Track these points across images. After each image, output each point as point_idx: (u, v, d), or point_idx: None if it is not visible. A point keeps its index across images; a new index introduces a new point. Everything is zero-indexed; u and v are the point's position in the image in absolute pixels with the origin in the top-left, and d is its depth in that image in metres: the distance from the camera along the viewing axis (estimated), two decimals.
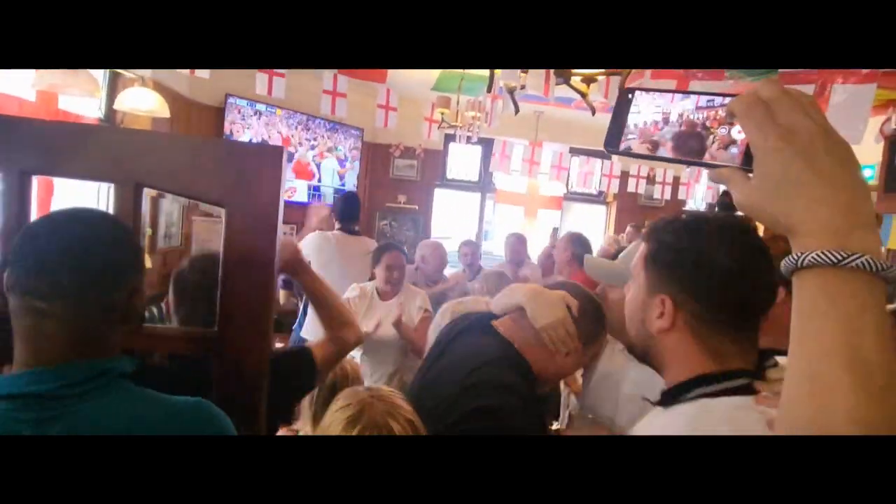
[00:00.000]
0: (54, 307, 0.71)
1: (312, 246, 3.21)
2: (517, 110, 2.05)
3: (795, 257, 0.43)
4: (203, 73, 3.43)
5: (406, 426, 0.94)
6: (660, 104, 0.54)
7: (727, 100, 0.50)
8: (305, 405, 1.65)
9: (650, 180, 6.05)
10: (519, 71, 1.65)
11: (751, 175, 0.47)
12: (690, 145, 0.52)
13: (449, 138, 6.14)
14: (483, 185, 6.83)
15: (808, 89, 1.29)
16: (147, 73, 3.68)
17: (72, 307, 0.72)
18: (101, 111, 3.56)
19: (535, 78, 1.74)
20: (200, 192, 0.93)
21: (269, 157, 0.94)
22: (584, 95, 1.77)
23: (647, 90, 0.56)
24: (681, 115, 0.53)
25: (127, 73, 3.57)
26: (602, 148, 0.57)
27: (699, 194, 6.40)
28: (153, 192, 3.04)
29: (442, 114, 4.71)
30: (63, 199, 2.54)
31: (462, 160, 6.78)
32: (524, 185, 6.72)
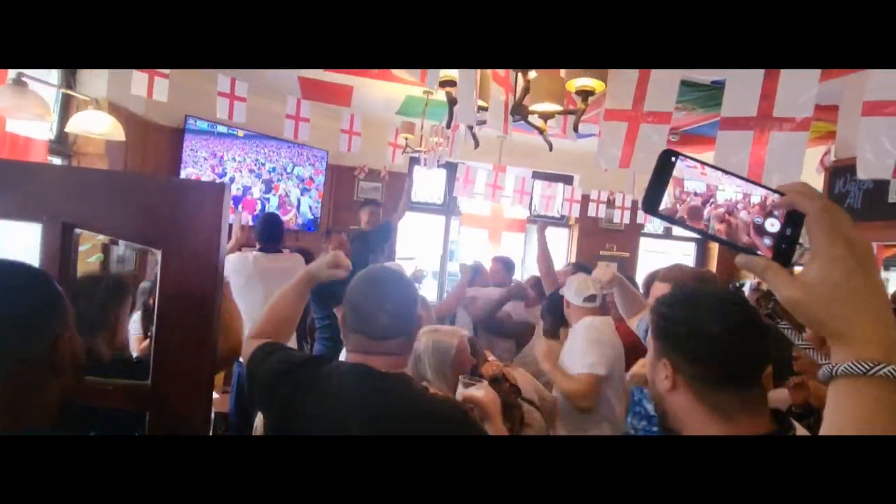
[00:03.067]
0: None
1: (233, 266, 3.13)
2: (477, 145, 2.08)
3: (864, 367, 0.46)
4: (161, 97, 3.36)
5: None
6: (700, 174, 0.55)
7: (771, 194, 0.52)
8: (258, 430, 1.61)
9: (610, 204, 6.19)
10: (475, 108, 1.67)
11: (795, 271, 0.50)
12: (725, 224, 0.53)
13: (413, 161, 6.16)
14: (448, 207, 6.86)
15: (748, 135, 1.36)
16: (101, 94, 3.58)
17: None
18: (52, 133, 3.44)
19: (493, 114, 1.76)
20: (134, 233, 0.90)
21: (209, 196, 0.91)
22: (541, 132, 1.80)
23: (688, 157, 0.56)
24: (734, 196, 0.54)
25: (80, 95, 3.47)
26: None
27: (656, 220, 6.57)
28: None
29: (406, 139, 4.73)
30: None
31: (427, 183, 6.80)
32: (487, 208, 6.79)
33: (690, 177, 0.55)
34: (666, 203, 0.55)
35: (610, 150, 1.60)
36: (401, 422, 1.03)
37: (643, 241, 7.30)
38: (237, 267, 3.15)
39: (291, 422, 1.07)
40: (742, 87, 1.39)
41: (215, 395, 3.24)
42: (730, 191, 0.54)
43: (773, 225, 0.52)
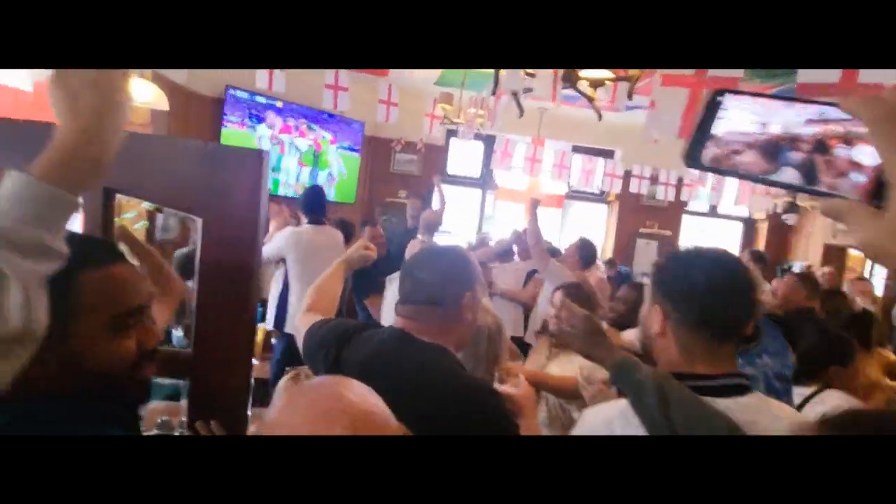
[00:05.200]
0: None
1: (289, 241, 3.25)
2: (522, 114, 1.99)
3: None
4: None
5: None
6: (756, 111, 0.44)
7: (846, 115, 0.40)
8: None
9: (654, 180, 5.99)
10: (523, 73, 1.58)
11: (881, 208, 0.38)
12: (797, 166, 0.41)
13: (450, 133, 6.07)
14: (484, 181, 6.77)
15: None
16: None
17: None
18: None
19: (541, 81, 1.67)
20: (174, 200, 0.88)
21: (250, 162, 0.88)
22: (590, 100, 1.71)
23: (740, 92, 0.45)
24: (786, 127, 0.42)
25: None
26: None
27: (703, 195, 6.33)
28: None
29: (444, 110, 4.64)
30: None
31: (463, 156, 6.72)
32: (525, 182, 6.67)
33: (743, 112, 0.44)
34: (714, 152, 0.45)
35: (666, 118, 1.49)
36: (421, 389, 1.02)
37: (686, 220, 7.06)
38: (292, 241, 3.24)
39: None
40: None
41: (255, 361, 3.31)
42: (801, 123, 0.42)
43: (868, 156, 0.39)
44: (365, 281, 3.45)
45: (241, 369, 0.98)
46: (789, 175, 0.42)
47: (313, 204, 3.42)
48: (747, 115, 0.44)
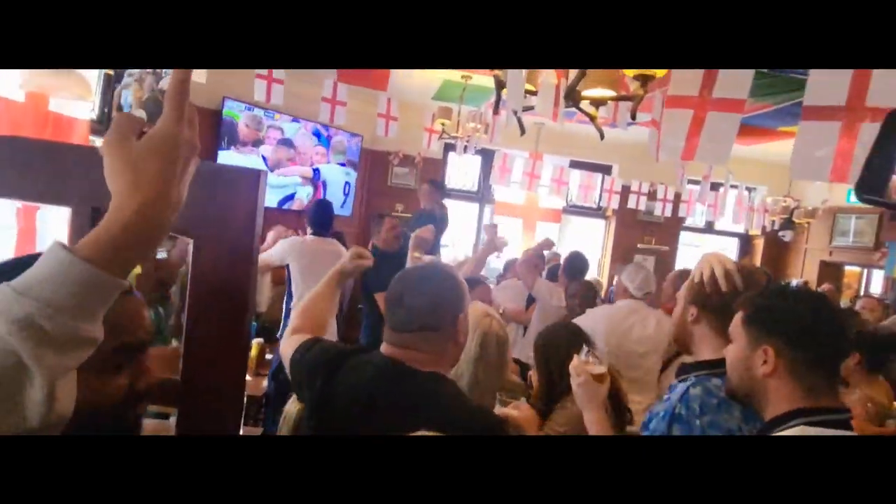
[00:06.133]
0: None
1: (290, 249, 3.27)
2: (523, 132, 1.97)
3: None
4: (199, 78, 3.36)
5: None
6: None
7: None
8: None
9: (651, 196, 5.99)
10: (525, 92, 1.56)
11: None
12: None
13: (448, 147, 6.07)
14: (482, 195, 6.76)
15: (834, 126, 1.22)
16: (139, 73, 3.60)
17: None
18: (94, 113, 3.48)
19: (542, 99, 1.66)
20: None
21: (245, 182, 0.85)
22: (592, 119, 1.69)
23: None
24: None
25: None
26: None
27: (699, 212, 6.34)
28: None
29: (443, 124, 4.64)
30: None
31: (461, 170, 6.71)
32: (522, 196, 6.65)
33: None
34: None
35: (671, 140, 1.47)
36: (428, 425, 0.98)
37: (683, 235, 7.07)
38: (294, 251, 3.26)
39: (326, 410, 1.09)
40: (830, 73, 1.24)
41: (248, 377, 3.27)
42: None
43: None
44: (377, 275, 3.40)
45: (233, 396, 0.94)
46: None
47: (320, 217, 3.46)
48: None
